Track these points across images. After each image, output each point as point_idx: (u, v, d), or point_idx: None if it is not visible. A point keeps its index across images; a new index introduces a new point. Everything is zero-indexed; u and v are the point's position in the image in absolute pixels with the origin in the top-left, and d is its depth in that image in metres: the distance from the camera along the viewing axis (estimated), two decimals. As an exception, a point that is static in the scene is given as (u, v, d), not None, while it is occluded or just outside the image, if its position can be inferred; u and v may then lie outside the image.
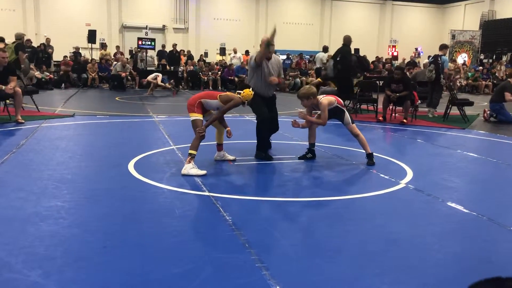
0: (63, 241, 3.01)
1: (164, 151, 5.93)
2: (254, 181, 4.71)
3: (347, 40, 10.46)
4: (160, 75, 15.27)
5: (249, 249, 2.94)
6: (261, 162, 5.48)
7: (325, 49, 15.52)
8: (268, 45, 5.64)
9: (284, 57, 21.91)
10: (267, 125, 5.90)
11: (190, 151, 4.86)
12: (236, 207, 3.81)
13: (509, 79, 10.14)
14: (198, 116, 5.01)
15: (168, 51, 19.73)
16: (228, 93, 5.33)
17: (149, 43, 18.45)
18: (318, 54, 15.61)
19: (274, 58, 5.95)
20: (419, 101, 10.17)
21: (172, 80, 15.93)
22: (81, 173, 4.79)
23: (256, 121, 5.96)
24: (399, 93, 9.29)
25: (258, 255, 2.85)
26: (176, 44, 19.72)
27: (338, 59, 10.35)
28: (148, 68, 18.04)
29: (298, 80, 18.56)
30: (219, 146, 5.57)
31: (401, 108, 9.58)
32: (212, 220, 3.48)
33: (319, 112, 5.65)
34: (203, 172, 4.74)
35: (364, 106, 11.13)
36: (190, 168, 4.73)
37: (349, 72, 10.36)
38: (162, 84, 15.20)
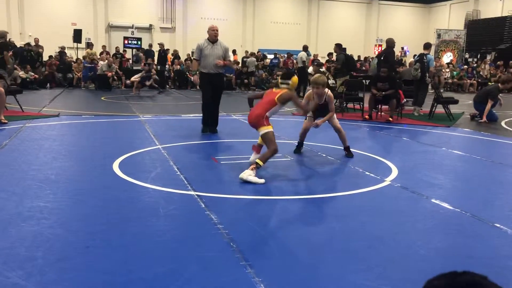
0: (45, 242, 2.97)
1: (149, 151, 5.89)
2: (237, 180, 4.68)
3: (391, 42, 10.94)
4: (144, 73, 15.20)
5: (234, 247, 2.93)
6: (247, 160, 5.46)
7: (305, 48, 15.55)
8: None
9: (272, 56, 21.92)
10: (209, 107, 7.51)
11: (258, 161, 4.65)
12: (222, 205, 3.79)
13: (499, 84, 10.10)
14: (269, 128, 4.78)
15: (155, 51, 19.61)
16: (275, 91, 5.01)
17: (136, 42, 18.32)
18: (300, 53, 15.65)
19: (219, 42, 7.51)
20: (405, 100, 10.24)
21: (152, 80, 15.85)
22: (64, 173, 4.74)
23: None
24: (385, 91, 9.35)
25: (243, 253, 2.84)
26: (163, 44, 19.61)
27: (382, 58, 10.88)
28: (134, 68, 17.91)
29: (285, 79, 18.58)
30: (259, 148, 5.22)
31: (387, 106, 9.65)
32: (197, 219, 3.46)
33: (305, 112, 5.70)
34: (262, 180, 4.51)
35: (350, 105, 11.18)
36: (249, 175, 4.50)
37: (393, 71, 10.79)
38: (147, 83, 15.13)
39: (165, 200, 3.88)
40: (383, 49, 10.71)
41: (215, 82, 7.58)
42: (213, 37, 7.47)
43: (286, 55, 21.41)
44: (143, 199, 3.93)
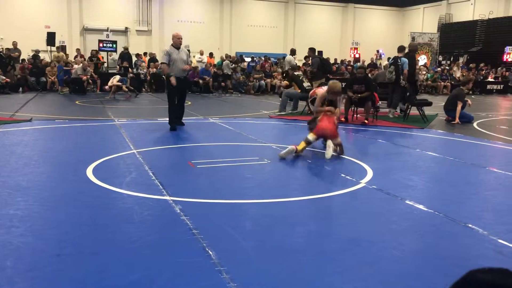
0: (14, 251, 2.89)
1: (124, 156, 5.81)
2: (216, 184, 4.66)
3: (414, 46, 11.33)
4: (118, 76, 15.01)
5: (209, 252, 2.90)
6: (224, 164, 5.45)
7: (293, 52, 15.59)
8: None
9: (249, 59, 21.93)
10: (176, 108, 8.35)
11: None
12: (197, 210, 3.76)
13: (461, 87, 10.36)
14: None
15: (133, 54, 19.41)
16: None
17: (111, 45, 18.08)
18: (287, 57, 15.70)
19: (182, 48, 8.40)
20: (380, 102, 10.37)
21: (128, 84, 15.67)
22: (36, 180, 4.63)
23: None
24: (361, 94, 9.45)
25: (218, 258, 2.82)
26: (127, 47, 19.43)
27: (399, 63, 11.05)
28: (110, 71, 17.67)
29: (263, 82, 18.59)
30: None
31: (363, 109, 9.75)
32: (172, 224, 3.42)
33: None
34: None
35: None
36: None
37: (414, 75, 11.22)
38: (119, 84, 14.95)
39: (139, 206, 3.82)
40: (404, 53, 10.88)
41: (182, 84, 8.40)
42: (178, 44, 8.32)
43: (263, 58, 21.48)
44: (117, 205, 3.87)
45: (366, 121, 9.41)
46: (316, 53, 13.09)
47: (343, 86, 10.86)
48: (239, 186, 4.61)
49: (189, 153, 6.32)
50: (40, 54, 18.41)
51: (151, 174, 4.85)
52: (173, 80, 8.05)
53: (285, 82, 11.91)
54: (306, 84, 11.33)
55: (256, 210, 3.87)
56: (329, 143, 6.06)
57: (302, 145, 6.02)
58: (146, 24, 28.77)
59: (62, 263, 2.75)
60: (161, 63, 8.77)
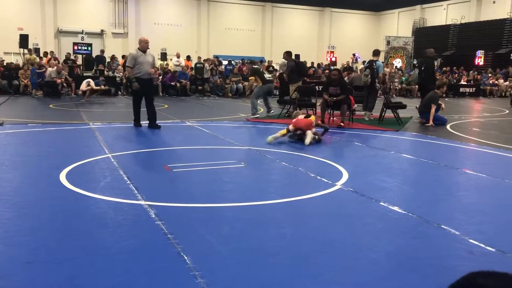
0: (-17, 259, 2.81)
1: (99, 160, 5.73)
2: (191, 188, 4.64)
3: (431, 53, 11.73)
4: (91, 80, 14.80)
5: (184, 257, 2.88)
6: (200, 168, 5.42)
7: (289, 54, 15.48)
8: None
9: (226, 62, 21.90)
10: (139, 106, 8.80)
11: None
12: (172, 215, 3.73)
13: (435, 90, 10.57)
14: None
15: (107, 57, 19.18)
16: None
17: (86, 48, 17.83)
18: (282, 60, 15.65)
19: (149, 51, 8.80)
20: (355, 105, 10.49)
21: (104, 83, 15.48)
22: (7, 185, 4.52)
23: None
24: (337, 96, 9.54)
25: (194, 263, 2.80)
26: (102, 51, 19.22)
27: (422, 68, 11.56)
28: (84, 74, 17.41)
29: (240, 85, 18.61)
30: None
31: (339, 112, 9.84)
32: (147, 229, 3.39)
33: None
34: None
35: (303, 111, 11.32)
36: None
37: (433, 79, 11.88)
38: (98, 87, 14.76)
39: (113, 211, 3.77)
40: (421, 59, 11.61)
41: (148, 86, 8.86)
42: (145, 48, 8.71)
43: (241, 61, 21.50)
44: (91, 210, 3.81)
45: (342, 124, 9.50)
46: (293, 57, 13.17)
47: (319, 89, 11.05)
48: (215, 190, 4.60)
49: (165, 156, 6.27)
50: (12, 57, 18.03)
51: (126, 178, 4.79)
52: (135, 85, 8.57)
53: (251, 78, 11.98)
54: (267, 75, 11.44)
55: (232, 214, 3.86)
56: (308, 132, 7.17)
57: (283, 132, 7.35)
58: (122, 26, 28.50)
59: (34, 270, 2.69)
60: (126, 66, 9.05)
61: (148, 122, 8.83)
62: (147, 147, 6.90)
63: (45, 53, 19.56)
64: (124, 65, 18.62)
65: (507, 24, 27.18)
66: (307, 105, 10.81)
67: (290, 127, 7.39)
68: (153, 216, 3.63)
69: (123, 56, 20.20)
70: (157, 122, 8.83)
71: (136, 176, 4.92)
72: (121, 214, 3.72)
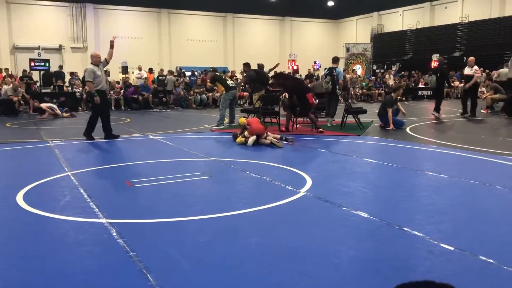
0: None
1: (58, 178, 5.57)
2: (154, 203, 4.57)
3: (441, 60, 14.06)
4: (56, 107, 14.47)
5: (147, 274, 2.83)
6: (163, 182, 5.35)
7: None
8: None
9: (189, 73, 21.81)
10: (96, 120, 9.01)
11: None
12: (134, 232, 3.66)
13: (392, 94, 10.88)
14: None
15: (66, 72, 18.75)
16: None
17: (43, 64, 17.38)
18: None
19: (101, 65, 9.03)
20: (316, 100, 10.49)
21: (67, 108, 15.15)
22: (-40, 210, 4.32)
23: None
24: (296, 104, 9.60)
25: (157, 280, 2.75)
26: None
27: (438, 75, 13.44)
28: (43, 90, 16.95)
29: (204, 96, 18.54)
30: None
31: (302, 119, 9.95)
32: (108, 248, 3.31)
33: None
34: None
35: (267, 119, 11.38)
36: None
37: (449, 84, 14.01)
38: (61, 113, 14.44)
39: (73, 231, 3.67)
40: (437, 65, 13.45)
41: (106, 98, 9.32)
42: (98, 62, 8.97)
43: (203, 72, 21.45)
44: (50, 231, 3.69)
45: (321, 130, 9.60)
46: (256, 66, 13.23)
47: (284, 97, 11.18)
48: (179, 204, 4.55)
49: (127, 172, 6.16)
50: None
51: (86, 196, 4.67)
52: (97, 99, 8.72)
53: (209, 84, 11.89)
54: (230, 82, 11.42)
55: (196, 227, 3.82)
56: (269, 134, 8.27)
57: (240, 139, 8.20)
58: (81, 40, 27.99)
59: (-13, 298, 2.58)
60: (87, 81, 8.95)
61: (105, 134, 9.13)
62: (108, 163, 6.76)
63: (6, 69, 18.98)
64: (83, 81, 18.30)
65: (459, 28, 28.28)
66: (271, 113, 10.88)
67: (246, 133, 8.16)
68: (115, 234, 3.55)
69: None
70: (120, 136, 9.26)
71: (96, 194, 4.81)
72: (82, 233, 3.62)
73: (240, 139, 8.25)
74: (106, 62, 9.16)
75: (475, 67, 13.23)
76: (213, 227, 3.83)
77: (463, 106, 13.50)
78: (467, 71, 13.53)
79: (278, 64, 13.74)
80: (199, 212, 4.18)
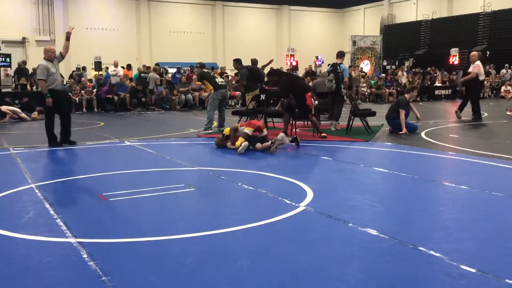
0: None
1: (20, 191, 5.55)
2: (132, 219, 4.55)
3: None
4: (21, 112, 14.45)
5: (122, 302, 2.81)
6: (142, 195, 5.34)
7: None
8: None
9: (174, 70, 21.77)
10: (52, 129, 9.03)
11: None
12: (108, 253, 3.64)
13: (405, 94, 10.91)
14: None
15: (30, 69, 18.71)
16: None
17: (3, 59, 17.33)
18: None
19: (55, 61, 8.96)
20: (316, 102, 10.57)
21: (39, 108, 15.10)
22: None
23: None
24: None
25: (133, 309, 2.73)
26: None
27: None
28: (3, 90, 16.89)
29: (190, 96, 18.54)
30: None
31: (302, 122, 9.99)
32: (78, 271, 3.28)
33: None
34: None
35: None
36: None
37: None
38: (27, 117, 14.41)
39: (37, 252, 3.64)
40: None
41: (63, 97, 9.32)
42: (52, 57, 8.89)
43: (189, 69, 21.46)
44: (9, 253, 3.66)
45: (324, 134, 9.63)
46: (250, 62, 13.26)
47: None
48: (161, 220, 4.53)
49: (101, 184, 6.13)
50: None
51: (52, 212, 4.66)
52: (49, 101, 8.69)
53: (198, 83, 11.86)
54: (219, 80, 11.41)
55: (180, 247, 3.80)
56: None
57: (241, 141, 8.09)
58: (48, 33, 28.02)
59: None
60: (38, 79, 9.00)
61: (60, 138, 9.07)
62: (78, 174, 6.74)
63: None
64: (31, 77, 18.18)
65: (481, 19, 28.49)
66: (274, 114, 10.92)
67: (247, 131, 8.16)
68: (85, 255, 3.52)
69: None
70: (76, 142, 9.24)
71: (64, 209, 4.79)
72: (47, 255, 3.59)
73: (227, 129, 8.52)
74: (62, 57, 9.19)
75: (477, 62, 13.32)
76: (199, 247, 3.81)
77: (460, 106, 13.49)
78: (471, 68, 13.55)
79: (271, 60, 13.79)
80: (183, 230, 4.16)
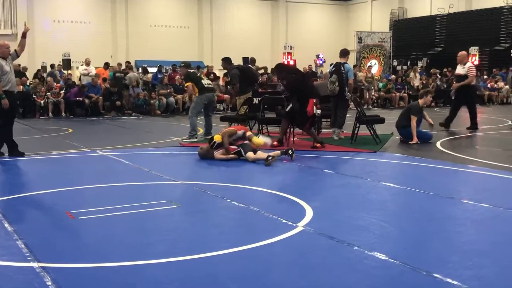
0: None
1: (-25, 208, 5.52)
2: (104, 241, 4.53)
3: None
4: None
5: (92, 337, 2.79)
6: (117, 213, 5.32)
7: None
8: None
9: (155, 69, 21.77)
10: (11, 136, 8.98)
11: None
12: (77, 280, 3.62)
13: (419, 100, 10.94)
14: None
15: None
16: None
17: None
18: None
19: (9, 58, 8.95)
20: (318, 112, 10.58)
21: None
22: None
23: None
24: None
25: None
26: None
27: None
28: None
29: (172, 99, 18.55)
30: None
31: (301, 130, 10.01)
32: (41, 301, 3.27)
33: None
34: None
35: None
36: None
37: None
38: None
39: (-6, 279, 3.62)
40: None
41: (16, 100, 9.45)
42: (6, 54, 8.87)
43: (171, 68, 21.48)
44: (-38, 280, 3.63)
45: (318, 145, 9.60)
46: (242, 61, 13.30)
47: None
48: (137, 242, 4.51)
49: (68, 200, 6.11)
50: None
51: (12, 232, 4.64)
52: (5, 102, 8.51)
53: (187, 84, 11.86)
54: (206, 81, 11.43)
55: (160, 274, 3.79)
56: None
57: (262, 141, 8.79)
58: (9, 25, 27.99)
59: None
60: None
61: (8, 147, 8.93)
62: (43, 188, 6.71)
63: None
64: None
65: (504, 14, 28.69)
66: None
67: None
68: (49, 283, 3.51)
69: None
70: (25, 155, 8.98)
71: (26, 229, 4.77)
72: (6, 282, 3.57)
73: (218, 136, 8.55)
74: (16, 55, 9.22)
75: (469, 63, 13.33)
76: (182, 273, 3.80)
77: (450, 115, 13.26)
78: (458, 69, 13.50)
79: (265, 68, 13.74)
80: (163, 254, 4.15)
